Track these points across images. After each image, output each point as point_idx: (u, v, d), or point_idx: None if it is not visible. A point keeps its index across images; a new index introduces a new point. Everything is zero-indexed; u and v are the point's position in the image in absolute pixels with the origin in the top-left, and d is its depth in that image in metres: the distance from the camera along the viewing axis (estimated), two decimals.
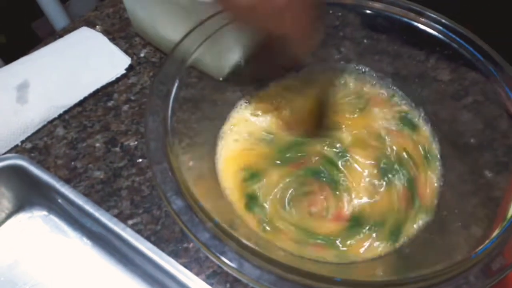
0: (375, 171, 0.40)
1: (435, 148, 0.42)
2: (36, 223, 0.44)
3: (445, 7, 0.42)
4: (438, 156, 0.42)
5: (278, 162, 0.41)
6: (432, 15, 0.42)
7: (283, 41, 0.35)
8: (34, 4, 0.87)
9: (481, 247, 0.28)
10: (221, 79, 0.43)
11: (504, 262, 0.27)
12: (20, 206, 0.45)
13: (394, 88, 0.46)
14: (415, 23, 0.42)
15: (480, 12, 0.45)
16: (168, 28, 0.51)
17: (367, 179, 0.40)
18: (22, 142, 0.49)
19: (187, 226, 0.29)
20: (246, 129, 0.43)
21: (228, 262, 0.27)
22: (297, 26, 0.34)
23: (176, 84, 0.37)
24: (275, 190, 0.39)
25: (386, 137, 0.43)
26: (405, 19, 0.42)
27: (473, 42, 0.40)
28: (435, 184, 0.40)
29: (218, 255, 0.27)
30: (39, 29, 1.16)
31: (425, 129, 0.43)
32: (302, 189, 0.39)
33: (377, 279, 0.33)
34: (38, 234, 0.44)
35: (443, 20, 0.41)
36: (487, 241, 0.29)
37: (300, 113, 0.45)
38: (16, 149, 0.48)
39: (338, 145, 0.42)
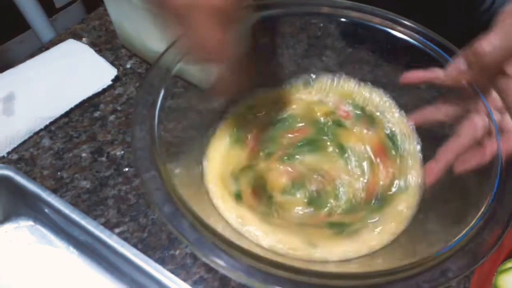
0: None
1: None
2: (22, 233, 0.44)
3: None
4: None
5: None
6: (409, 24, 0.43)
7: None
8: None
9: (462, 233, 0.30)
10: (206, 88, 0.44)
11: (486, 246, 0.29)
12: (6, 217, 0.44)
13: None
14: (393, 32, 0.44)
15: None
16: (153, 39, 0.52)
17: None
18: (8, 153, 0.49)
19: (177, 229, 0.29)
20: (230, 139, 0.44)
21: (218, 262, 0.28)
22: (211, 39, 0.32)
23: (161, 94, 0.37)
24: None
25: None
26: (384, 28, 0.44)
27: (450, 50, 0.42)
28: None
29: (206, 254, 0.28)
30: None
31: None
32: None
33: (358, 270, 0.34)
34: (24, 244, 0.43)
35: (421, 29, 0.43)
36: (467, 228, 0.30)
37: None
38: (2, 161, 0.48)
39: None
